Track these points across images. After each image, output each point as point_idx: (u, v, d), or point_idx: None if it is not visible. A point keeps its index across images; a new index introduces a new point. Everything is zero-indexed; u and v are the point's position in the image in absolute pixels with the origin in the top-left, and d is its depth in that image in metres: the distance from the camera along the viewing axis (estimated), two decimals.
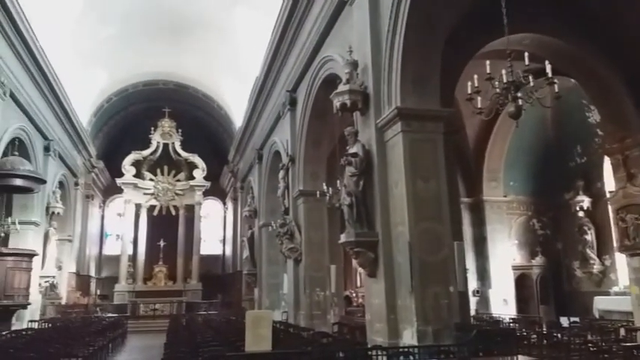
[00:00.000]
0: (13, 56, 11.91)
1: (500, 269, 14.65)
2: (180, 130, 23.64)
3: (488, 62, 4.59)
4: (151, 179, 23.07)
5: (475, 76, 4.93)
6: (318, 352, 5.85)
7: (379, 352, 5.66)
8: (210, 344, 6.95)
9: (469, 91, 4.83)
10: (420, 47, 6.64)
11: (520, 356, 4.95)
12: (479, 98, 4.84)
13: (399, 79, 6.66)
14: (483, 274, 14.75)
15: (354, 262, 7.80)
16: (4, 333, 9.62)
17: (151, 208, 23.21)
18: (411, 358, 5.47)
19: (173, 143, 23.50)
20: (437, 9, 6.53)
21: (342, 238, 7.17)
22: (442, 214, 6.44)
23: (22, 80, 12.77)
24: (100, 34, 16.65)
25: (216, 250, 27.59)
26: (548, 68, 4.38)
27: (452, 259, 6.31)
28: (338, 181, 7.90)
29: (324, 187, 9.18)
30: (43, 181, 13.02)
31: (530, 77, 4.52)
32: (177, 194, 23.29)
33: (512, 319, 11.54)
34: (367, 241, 6.87)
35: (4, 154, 11.91)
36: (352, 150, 7.21)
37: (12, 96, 12.06)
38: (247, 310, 10.75)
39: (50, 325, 13.41)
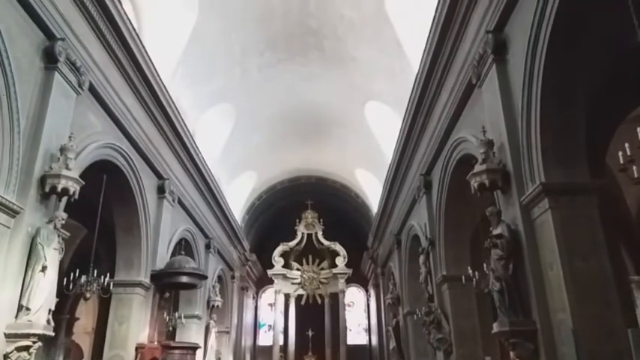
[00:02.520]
0: (180, 167, 13.82)
1: None
2: (321, 220, 24.72)
3: (639, 129, 4.24)
4: (298, 269, 24.12)
5: (626, 145, 4.56)
6: None
7: None
8: None
9: (621, 161, 4.47)
10: (559, 119, 6.36)
11: None
12: (634, 167, 4.44)
13: (539, 154, 6.38)
14: None
15: (512, 354, 7.14)
16: None
17: (299, 298, 24.04)
18: None
19: (316, 233, 24.57)
20: (572, 79, 6.27)
21: (495, 327, 6.68)
22: (609, 297, 5.74)
23: (187, 187, 14.62)
24: (250, 140, 18.72)
25: (362, 340, 27.11)
26: None
27: (627, 350, 5.50)
28: (484, 265, 7.50)
29: (470, 272, 8.76)
30: (205, 277, 14.29)
31: None
32: (321, 283, 23.95)
33: None
34: (524, 331, 6.31)
35: (172, 254, 13.45)
36: (496, 231, 6.90)
37: (179, 202, 13.81)
38: None
39: None
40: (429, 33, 9.51)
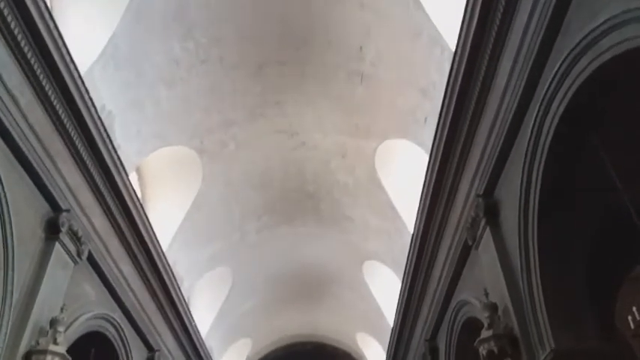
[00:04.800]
0: (171, 338, 13.15)
1: None
2: None
3: None
4: None
5: (634, 308, 4.45)
6: None
7: None
8: None
9: (631, 326, 4.31)
10: (560, 279, 6.23)
11: None
12: None
13: (545, 317, 6.12)
14: None
15: None
16: None
17: None
18: None
19: None
20: (568, 238, 6.28)
21: None
22: None
23: (174, 352, 13.62)
24: (246, 305, 18.25)
25: None
26: None
27: None
28: None
29: None
30: None
31: None
32: None
33: None
34: None
35: None
36: None
37: None
38: None
39: None
40: (421, 197, 9.86)
